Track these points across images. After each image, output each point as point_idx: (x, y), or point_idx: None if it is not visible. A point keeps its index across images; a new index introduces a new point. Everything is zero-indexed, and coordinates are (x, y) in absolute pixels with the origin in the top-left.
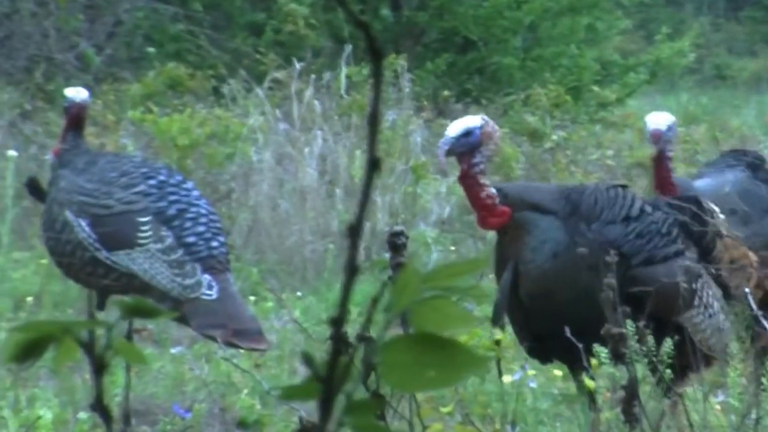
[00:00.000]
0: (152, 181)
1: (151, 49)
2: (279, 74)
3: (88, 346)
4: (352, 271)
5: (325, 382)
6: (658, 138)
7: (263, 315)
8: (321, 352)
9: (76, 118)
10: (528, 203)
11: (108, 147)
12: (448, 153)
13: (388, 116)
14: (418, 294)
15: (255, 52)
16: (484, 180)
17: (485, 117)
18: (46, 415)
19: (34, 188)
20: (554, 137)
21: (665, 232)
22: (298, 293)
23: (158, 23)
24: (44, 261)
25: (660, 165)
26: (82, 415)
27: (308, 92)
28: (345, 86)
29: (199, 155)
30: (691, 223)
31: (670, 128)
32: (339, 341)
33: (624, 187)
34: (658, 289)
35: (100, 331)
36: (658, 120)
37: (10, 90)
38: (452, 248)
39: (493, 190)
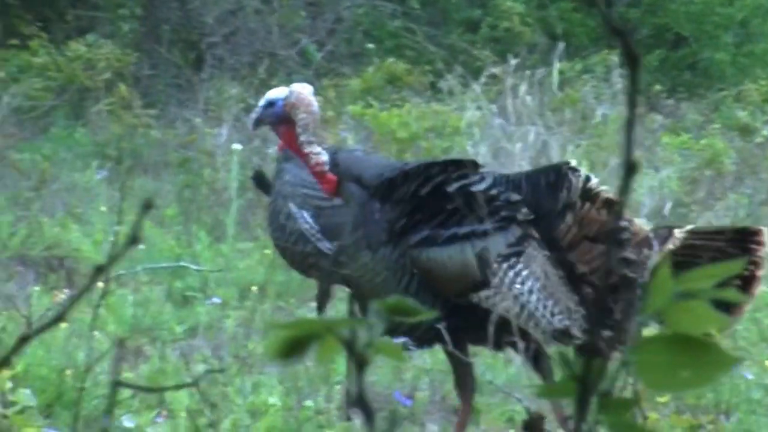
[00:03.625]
0: None
1: (370, 45)
2: (494, 69)
3: (350, 344)
4: (608, 273)
5: (581, 382)
6: None
7: None
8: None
9: None
10: (352, 175)
11: (329, 141)
12: (257, 123)
13: (600, 111)
14: (671, 296)
15: (471, 47)
16: (310, 148)
17: (295, 88)
18: (276, 403)
19: (260, 181)
20: (765, 132)
21: (452, 211)
22: None
23: (377, 20)
24: (268, 251)
25: None
26: (308, 402)
27: (522, 87)
28: (558, 82)
29: (418, 148)
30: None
31: None
32: (595, 342)
33: (458, 164)
34: (433, 269)
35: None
36: None
37: (234, 85)
38: None
39: (325, 158)
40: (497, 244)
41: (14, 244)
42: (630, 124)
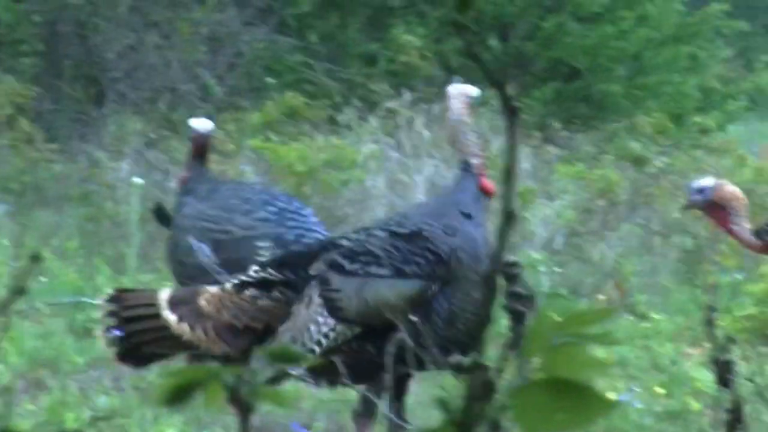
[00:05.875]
0: (271, 208)
1: (270, 79)
2: (392, 103)
3: (234, 391)
4: (486, 318)
5: (460, 427)
6: None
7: None
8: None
9: (201, 148)
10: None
11: (229, 174)
12: (689, 206)
13: (495, 143)
14: (550, 340)
15: (369, 81)
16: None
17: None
18: None
19: (160, 214)
20: (657, 163)
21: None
22: None
23: (277, 54)
24: (169, 283)
25: None
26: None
27: (419, 121)
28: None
29: (316, 181)
30: None
31: None
32: (477, 387)
33: None
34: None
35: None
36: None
37: (136, 119)
38: (559, 270)
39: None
40: None
41: None
42: (510, 174)
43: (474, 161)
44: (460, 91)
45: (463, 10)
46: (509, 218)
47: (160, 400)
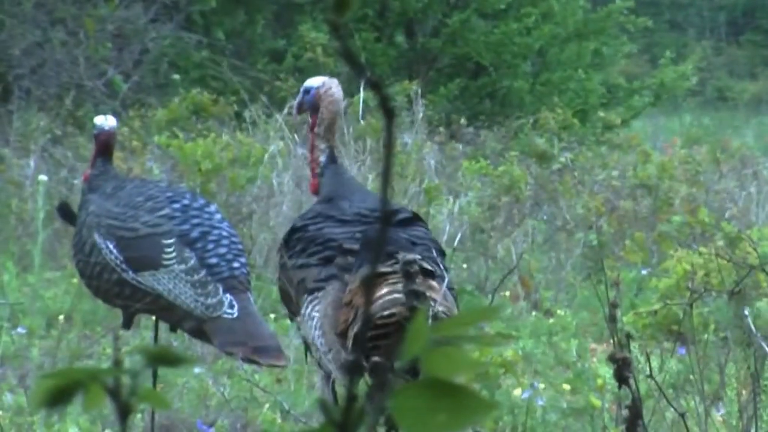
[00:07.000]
0: (176, 205)
1: (176, 76)
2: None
3: (114, 393)
4: (367, 322)
5: (340, 428)
6: None
7: (283, 332)
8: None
9: (105, 145)
10: (325, 195)
11: (135, 171)
12: (299, 107)
13: (402, 139)
14: (428, 342)
15: (275, 78)
16: (318, 143)
17: (330, 81)
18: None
19: (65, 212)
20: (562, 159)
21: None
22: None
23: (183, 51)
24: (75, 280)
25: None
26: (109, 430)
27: None
28: (361, 111)
29: (222, 179)
30: None
31: None
32: (353, 388)
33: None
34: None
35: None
36: None
37: (41, 116)
38: (464, 266)
39: (322, 159)
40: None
41: None
42: (386, 175)
43: (335, 153)
44: (336, 84)
45: (341, 12)
46: (386, 219)
47: (38, 403)
